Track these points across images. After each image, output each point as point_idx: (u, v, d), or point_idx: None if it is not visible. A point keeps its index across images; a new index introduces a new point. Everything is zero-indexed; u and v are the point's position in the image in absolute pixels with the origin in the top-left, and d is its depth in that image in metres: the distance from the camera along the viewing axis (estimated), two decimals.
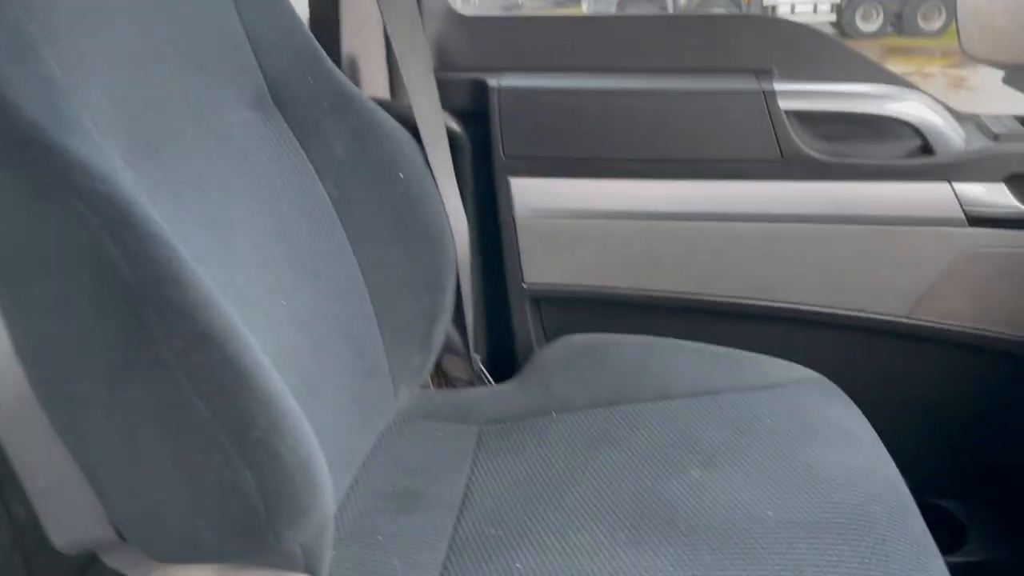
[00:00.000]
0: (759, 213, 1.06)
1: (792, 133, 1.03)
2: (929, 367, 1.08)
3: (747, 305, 1.09)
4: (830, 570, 0.68)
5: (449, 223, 0.96)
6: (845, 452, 0.83)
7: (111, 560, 0.64)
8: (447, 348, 1.04)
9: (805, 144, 1.03)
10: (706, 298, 1.09)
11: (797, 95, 1.04)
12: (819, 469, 0.80)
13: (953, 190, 1.00)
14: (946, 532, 1.14)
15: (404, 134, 0.93)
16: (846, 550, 0.70)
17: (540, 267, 1.09)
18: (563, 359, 1.01)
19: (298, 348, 0.75)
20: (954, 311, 1.04)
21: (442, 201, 0.96)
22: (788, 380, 0.95)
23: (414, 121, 0.97)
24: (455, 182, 1.00)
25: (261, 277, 0.73)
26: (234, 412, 0.53)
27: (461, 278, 0.99)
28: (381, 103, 0.93)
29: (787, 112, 1.03)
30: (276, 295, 0.75)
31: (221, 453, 0.53)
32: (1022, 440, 1.09)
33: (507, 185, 1.07)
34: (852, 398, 0.95)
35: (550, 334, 1.12)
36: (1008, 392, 1.07)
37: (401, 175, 0.90)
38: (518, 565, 0.72)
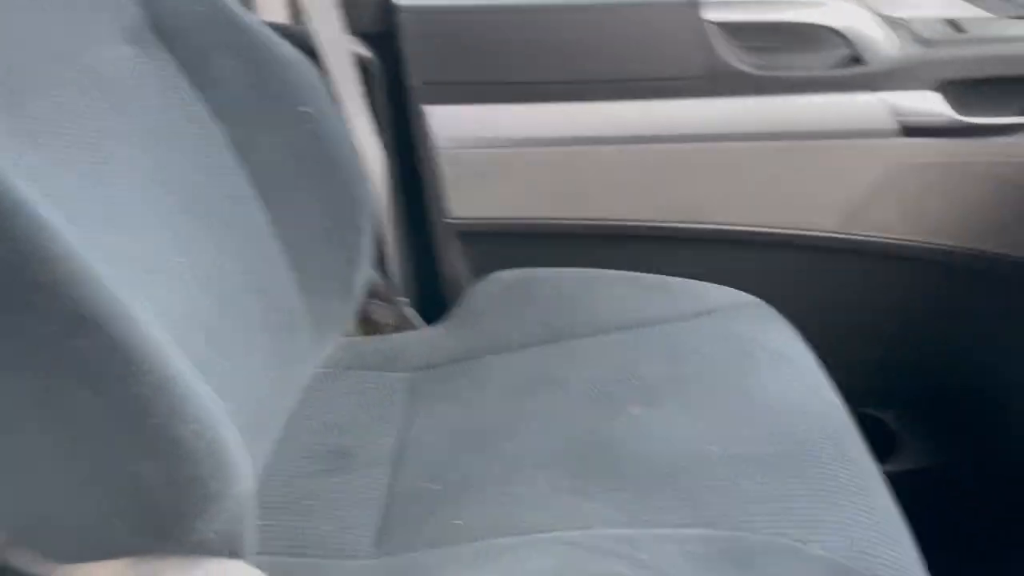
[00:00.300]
0: (688, 133, 1.01)
1: (719, 46, 0.98)
2: (862, 280, 1.07)
3: (679, 229, 1.06)
4: (776, 505, 0.66)
5: (362, 159, 0.89)
6: (785, 378, 0.81)
7: (11, 557, 0.58)
8: (371, 293, 0.99)
9: (733, 58, 0.98)
10: (637, 224, 1.05)
11: (723, 5, 0.99)
12: (761, 398, 0.78)
13: (885, 100, 0.98)
14: (878, 441, 1.15)
15: (306, 63, 0.85)
16: (792, 484, 0.68)
17: (464, 201, 1.04)
18: (494, 297, 0.96)
19: (203, 308, 0.68)
20: (887, 223, 1.02)
21: (353, 135, 0.88)
22: (723, 305, 0.92)
23: (316, 47, 0.89)
24: (366, 113, 0.93)
25: (153, 233, 0.66)
26: (126, 400, 0.47)
27: (380, 217, 0.93)
28: (278, 28, 0.85)
29: (713, 24, 0.98)
30: (172, 252, 0.67)
31: (115, 446, 0.47)
32: (952, 349, 1.10)
33: (422, 114, 0.99)
34: (787, 316, 0.94)
35: (479, 271, 1.07)
36: (939, 302, 1.07)
37: (305, 108, 0.83)
38: (459, 521, 0.69)
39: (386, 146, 0.98)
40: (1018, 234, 1.01)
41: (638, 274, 0.97)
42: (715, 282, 0.97)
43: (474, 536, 0.67)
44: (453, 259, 1.06)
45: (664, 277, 0.97)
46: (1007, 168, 0.97)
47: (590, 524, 0.66)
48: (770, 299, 0.96)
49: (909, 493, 0.93)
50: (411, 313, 1.01)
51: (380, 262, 0.96)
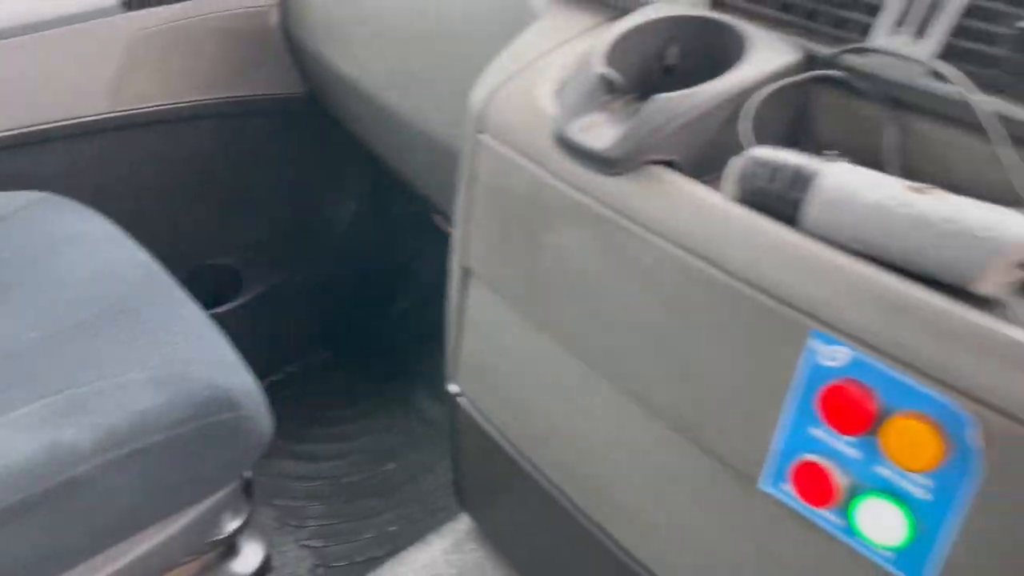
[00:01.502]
0: None
1: None
2: (152, 150, 1.16)
3: None
4: (97, 358, 0.73)
5: None
6: (91, 253, 0.88)
7: None
8: None
9: None
10: None
11: None
12: (71, 277, 0.84)
13: None
14: (229, 283, 1.31)
15: None
16: (104, 335, 0.76)
17: None
18: None
19: None
20: (150, 93, 1.11)
21: None
22: (16, 207, 0.93)
23: None
24: None
25: None
26: None
27: None
28: None
29: None
30: None
31: None
32: (268, 190, 1.27)
33: None
34: (92, 203, 0.99)
35: None
36: (235, 152, 1.21)
37: None
38: None
39: None
40: (267, 76, 1.18)
41: None
42: (6, 189, 0.97)
43: None
44: None
45: None
46: (227, 19, 1.12)
47: None
48: (70, 192, 0.99)
49: (255, 315, 1.09)
50: None
51: None
